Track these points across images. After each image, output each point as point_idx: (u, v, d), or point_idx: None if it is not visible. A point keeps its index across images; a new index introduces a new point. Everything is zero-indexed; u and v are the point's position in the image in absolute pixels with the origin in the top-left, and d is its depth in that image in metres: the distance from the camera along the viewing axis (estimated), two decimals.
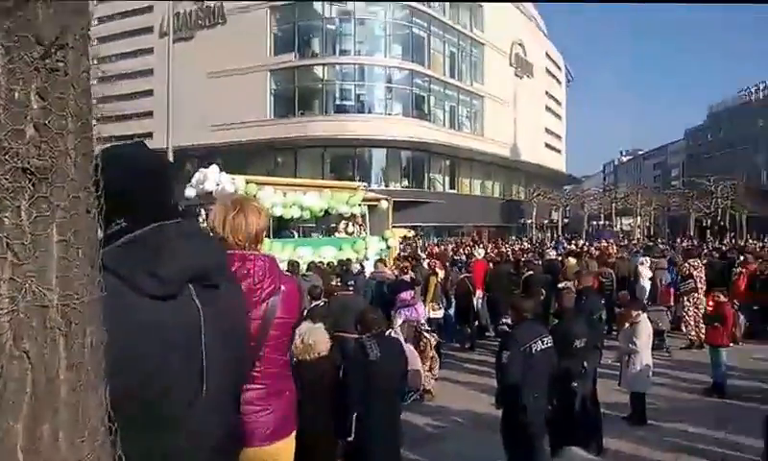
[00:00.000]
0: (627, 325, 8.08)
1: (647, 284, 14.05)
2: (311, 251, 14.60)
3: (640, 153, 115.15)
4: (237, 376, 1.81)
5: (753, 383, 9.36)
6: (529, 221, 53.68)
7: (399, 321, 9.32)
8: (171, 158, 18.68)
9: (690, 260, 13.45)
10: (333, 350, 5.49)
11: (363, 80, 40.95)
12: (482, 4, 47.92)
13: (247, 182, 14.15)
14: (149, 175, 1.67)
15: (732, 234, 47.32)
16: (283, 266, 12.93)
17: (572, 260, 14.57)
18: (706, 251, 20.66)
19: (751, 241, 32.66)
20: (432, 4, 43.23)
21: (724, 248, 22.72)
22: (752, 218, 53.94)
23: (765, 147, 66.49)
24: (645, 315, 8.24)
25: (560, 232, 54.59)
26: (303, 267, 11.99)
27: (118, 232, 1.55)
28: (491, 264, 15.10)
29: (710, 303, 10.43)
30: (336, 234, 16.40)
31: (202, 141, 38.44)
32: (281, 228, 15.15)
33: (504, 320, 8.61)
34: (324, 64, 40.65)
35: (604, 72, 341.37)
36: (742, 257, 15.30)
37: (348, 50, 40.77)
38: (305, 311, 8.55)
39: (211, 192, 13.86)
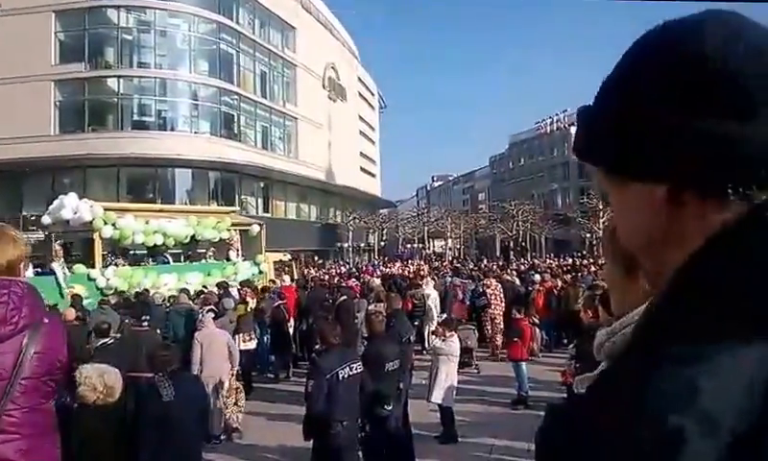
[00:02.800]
0: (438, 341, 8.57)
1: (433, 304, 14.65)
2: (176, 277, 14.53)
3: (450, 178, 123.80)
4: None
5: (553, 394, 10.29)
6: (346, 244, 54.88)
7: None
8: None
9: (485, 280, 14.73)
10: (125, 393, 5.08)
11: (165, 95, 39.06)
12: (294, 26, 48.65)
13: (105, 210, 14.21)
14: None
15: (534, 254, 52.62)
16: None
17: (376, 281, 15.38)
18: (509, 269, 22.60)
19: (549, 260, 36.48)
20: (241, 21, 42.85)
21: (523, 267, 25.01)
22: (549, 239, 60.72)
23: (560, 174, 75.14)
24: (456, 334, 8.83)
25: (376, 255, 56.58)
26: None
27: None
28: (302, 290, 15.17)
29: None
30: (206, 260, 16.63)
31: None
32: (154, 254, 15.43)
33: (317, 347, 8.64)
34: (119, 77, 38.11)
35: (415, 100, 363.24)
36: (538, 276, 16.87)
37: (147, 63, 38.67)
38: (92, 350, 7.85)
39: (68, 220, 13.89)
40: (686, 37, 0.63)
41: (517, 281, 17.01)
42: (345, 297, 13.42)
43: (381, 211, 68.71)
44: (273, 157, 45.62)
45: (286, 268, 19.89)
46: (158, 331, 9.63)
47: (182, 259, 16.71)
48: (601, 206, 51.39)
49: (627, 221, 0.72)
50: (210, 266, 16.21)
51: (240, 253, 17.39)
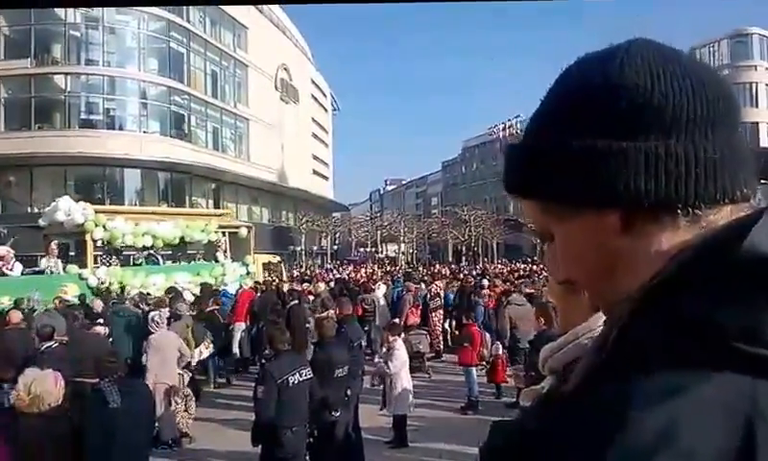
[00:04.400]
0: (384, 349, 8.58)
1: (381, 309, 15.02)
2: (164, 277, 15.03)
3: (404, 182, 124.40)
4: None
5: (502, 399, 10.42)
6: (299, 248, 54.57)
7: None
8: None
9: (437, 282, 15.01)
10: (69, 400, 4.98)
11: (113, 93, 38.28)
12: (247, 26, 48.18)
13: (96, 212, 14.88)
14: None
15: (485, 259, 53.26)
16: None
17: (321, 285, 15.53)
18: (461, 275, 22.87)
19: (500, 265, 37.02)
20: (192, 19, 42.27)
21: (474, 272, 25.36)
22: (501, 244, 61.56)
23: None
24: (400, 340, 8.83)
25: (329, 259, 56.47)
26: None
27: None
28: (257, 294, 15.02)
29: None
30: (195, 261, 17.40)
31: None
32: (148, 255, 16.19)
33: (266, 352, 8.61)
34: (66, 74, 37.15)
35: (368, 104, 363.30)
36: (486, 281, 17.11)
37: (95, 60, 37.83)
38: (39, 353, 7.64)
39: (62, 222, 14.56)
40: (616, 66, 0.66)
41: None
42: (296, 301, 13.37)
43: (334, 215, 68.58)
44: (224, 158, 45.17)
45: (274, 269, 20.11)
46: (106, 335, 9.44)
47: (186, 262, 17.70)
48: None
49: (573, 252, 0.72)
50: (199, 267, 16.82)
51: (228, 254, 17.78)
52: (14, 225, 32.17)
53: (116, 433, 4.56)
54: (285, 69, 56.29)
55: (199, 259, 17.55)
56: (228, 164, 44.84)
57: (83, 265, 14.42)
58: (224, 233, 17.94)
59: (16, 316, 9.19)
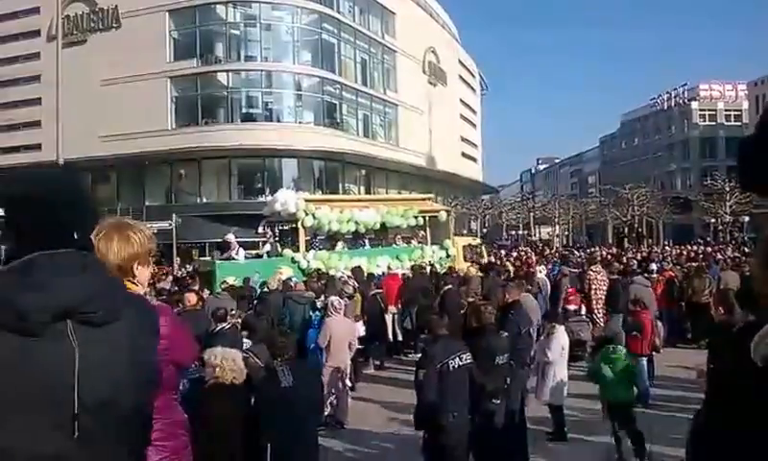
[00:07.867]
0: (543, 336, 8.28)
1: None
2: (366, 260, 16.12)
3: (557, 161, 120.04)
4: (132, 421, 1.64)
5: (674, 392, 9.64)
6: None
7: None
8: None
9: (593, 267, 14.21)
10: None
11: (270, 87, 40.60)
12: (394, 11, 48.81)
13: (306, 201, 16.56)
14: (30, 202, 1.57)
15: (650, 241, 49.92)
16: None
17: (473, 270, 15.31)
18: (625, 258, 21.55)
19: (667, 247, 34.59)
20: (342, 9, 43.57)
21: (639, 256, 23.86)
22: (668, 224, 57.34)
23: (679, 154, 70.85)
24: (562, 327, 8.46)
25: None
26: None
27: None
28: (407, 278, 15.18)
29: None
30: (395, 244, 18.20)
31: (94, 153, 37.05)
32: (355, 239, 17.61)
33: (424, 336, 8.64)
34: (228, 71, 39.98)
35: (518, 81, 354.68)
36: (654, 265, 16.00)
37: (253, 56, 40.33)
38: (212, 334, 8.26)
39: (279, 211, 16.42)
40: None
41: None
42: (450, 286, 13.28)
43: (483, 197, 67.66)
44: (374, 144, 46.22)
45: (475, 251, 20.20)
46: (272, 318, 9.99)
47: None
48: (728, 188, 47.97)
49: None
50: (399, 250, 17.62)
51: (427, 238, 18.48)
52: (186, 214, 35.41)
53: (288, 410, 4.82)
54: (433, 52, 56.34)
55: (400, 243, 18.21)
56: (378, 150, 45.86)
57: (296, 249, 15.88)
58: (424, 218, 18.49)
59: (193, 298, 9.88)
